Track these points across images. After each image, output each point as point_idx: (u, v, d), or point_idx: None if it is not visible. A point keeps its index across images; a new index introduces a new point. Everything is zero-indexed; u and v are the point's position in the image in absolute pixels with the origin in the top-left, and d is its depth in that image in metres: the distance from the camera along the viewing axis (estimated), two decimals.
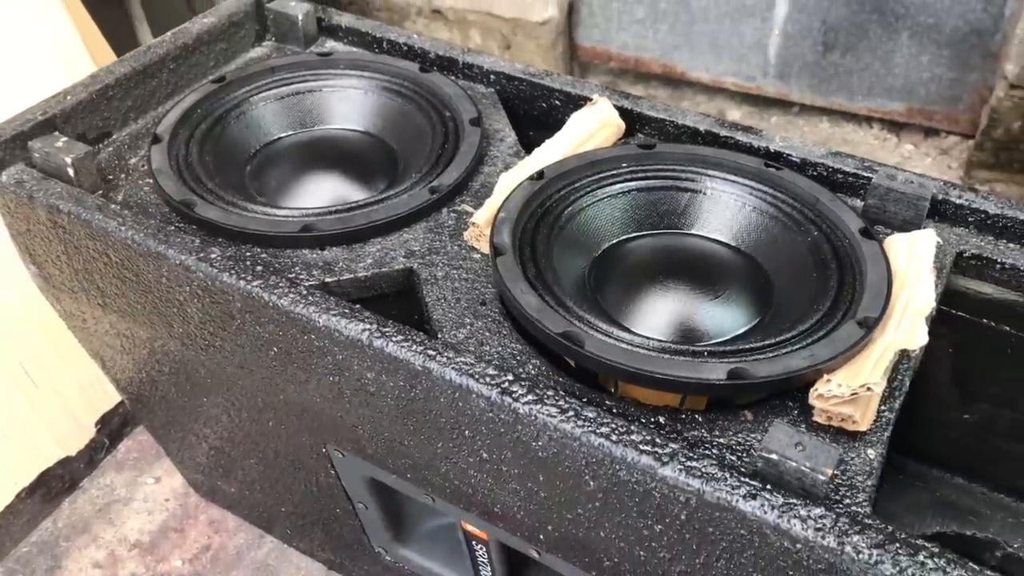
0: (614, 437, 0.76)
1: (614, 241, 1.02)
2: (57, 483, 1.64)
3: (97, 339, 1.20)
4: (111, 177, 1.09)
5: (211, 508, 1.56)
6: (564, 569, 0.94)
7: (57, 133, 1.06)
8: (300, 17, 1.30)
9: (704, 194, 1.03)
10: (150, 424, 1.39)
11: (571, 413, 0.78)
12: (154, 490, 1.60)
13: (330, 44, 1.34)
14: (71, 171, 1.02)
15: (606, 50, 3.77)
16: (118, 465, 1.64)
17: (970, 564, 0.68)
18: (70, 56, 1.80)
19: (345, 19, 1.33)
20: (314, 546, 1.43)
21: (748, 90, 3.61)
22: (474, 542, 1.06)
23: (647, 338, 0.88)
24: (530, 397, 0.79)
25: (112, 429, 1.74)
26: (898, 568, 0.67)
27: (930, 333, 1.06)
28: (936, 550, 0.68)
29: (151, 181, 1.07)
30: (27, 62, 1.74)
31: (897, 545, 0.68)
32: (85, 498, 1.59)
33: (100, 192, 1.04)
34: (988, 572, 0.67)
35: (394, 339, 0.84)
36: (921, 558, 0.68)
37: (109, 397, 1.82)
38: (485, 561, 1.10)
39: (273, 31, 1.33)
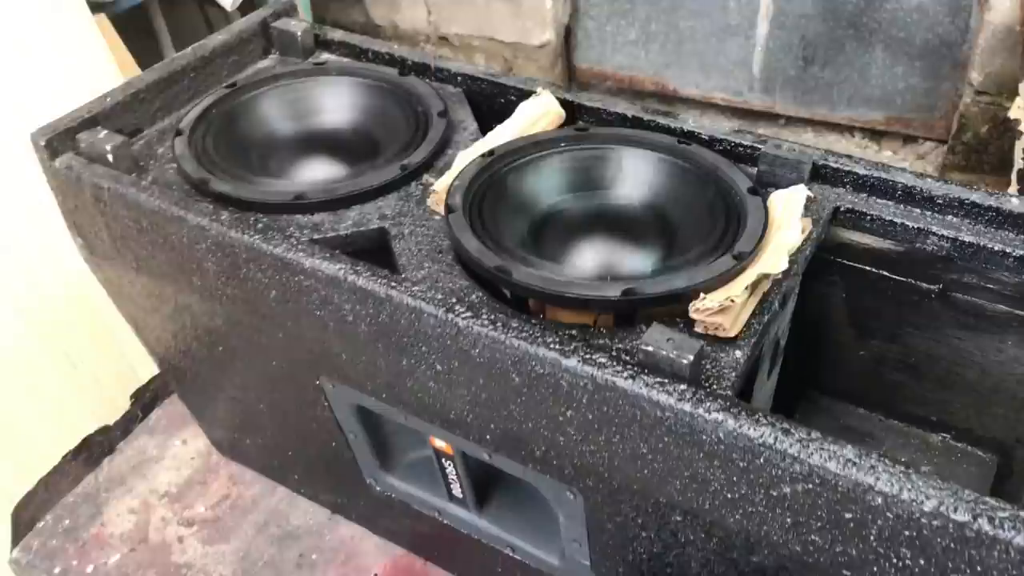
0: (530, 340, 0.97)
1: (550, 204, 1.24)
2: (98, 448, 1.87)
3: (132, 302, 1.43)
4: (142, 163, 1.32)
5: (231, 465, 1.78)
6: (508, 467, 1.15)
7: (99, 128, 1.30)
8: (299, 33, 1.54)
9: (626, 164, 1.25)
10: (178, 384, 1.62)
11: (499, 324, 0.99)
12: (181, 450, 1.82)
13: (325, 55, 1.58)
14: (110, 157, 1.26)
15: (602, 70, 4.00)
16: (150, 431, 1.87)
17: (793, 421, 0.88)
18: (105, 77, 2.07)
19: (338, 34, 1.57)
20: (318, 490, 1.65)
21: (736, 104, 3.83)
22: (443, 459, 1.27)
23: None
24: (468, 314, 1.01)
25: (144, 402, 1.98)
26: (739, 423, 0.88)
27: (826, 281, 1.28)
28: (767, 412, 0.89)
29: (175, 165, 1.30)
30: (69, 82, 2.01)
31: (738, 408, 0.89)
32: (122, 458, 1.82)
33: (134, 174, 1.28)
34: (793, 423, 0.87)
35: (363, 275, 1.06)
36: (757, 416, 0.88)
37: (139, 379, 2.07)
38: (454, 477, 1.30)
39: (277, 45, 1.58)
